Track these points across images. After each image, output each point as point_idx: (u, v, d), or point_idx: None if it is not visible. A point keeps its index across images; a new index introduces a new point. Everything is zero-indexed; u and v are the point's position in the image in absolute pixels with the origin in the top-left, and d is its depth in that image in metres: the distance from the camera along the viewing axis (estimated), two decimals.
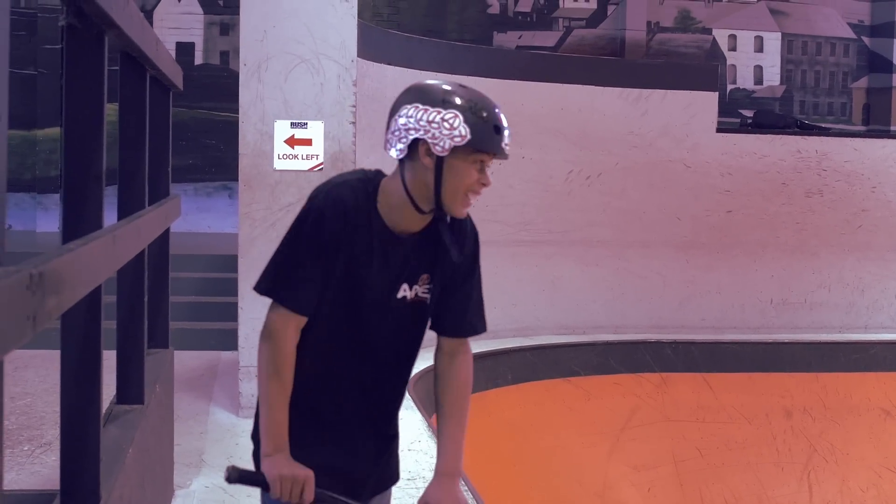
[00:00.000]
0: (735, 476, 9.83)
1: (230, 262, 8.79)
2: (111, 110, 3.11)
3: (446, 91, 2.66)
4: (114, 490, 2.91)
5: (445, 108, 2.61)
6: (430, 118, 2.60)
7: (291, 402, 2.67)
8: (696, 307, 10.67)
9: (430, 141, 2.60)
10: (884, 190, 11.19)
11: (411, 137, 2.62)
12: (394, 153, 2.67)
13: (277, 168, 6.87)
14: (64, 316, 2.69)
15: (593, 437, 9.48)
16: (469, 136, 2.59)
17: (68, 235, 2.70)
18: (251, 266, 6.92)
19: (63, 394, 2.76)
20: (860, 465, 10.17)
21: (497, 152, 2.64)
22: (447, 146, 2.60)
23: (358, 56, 7.05)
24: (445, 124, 2.59)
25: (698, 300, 10.70)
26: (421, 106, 2.62)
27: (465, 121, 2.60)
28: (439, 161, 2.61)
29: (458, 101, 2.63)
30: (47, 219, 12.86)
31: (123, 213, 3.86)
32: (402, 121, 2.63)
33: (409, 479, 5.38)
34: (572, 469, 9.17)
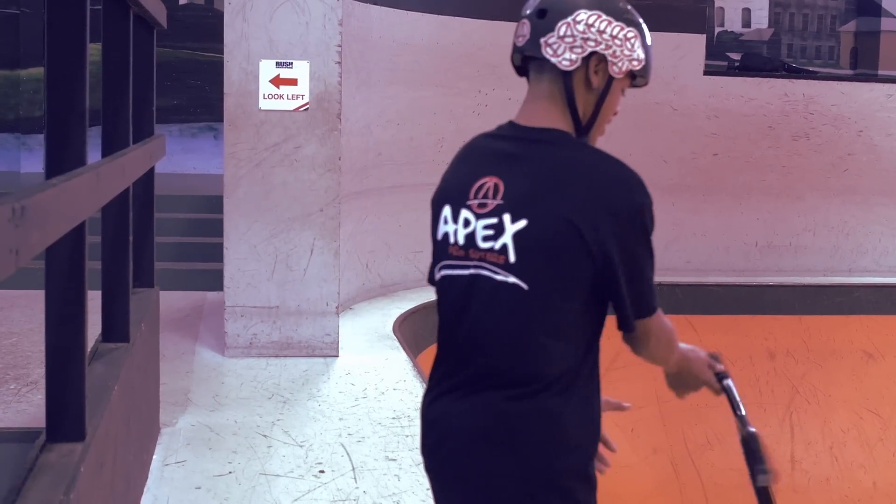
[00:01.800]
0: (717, 416, 9.85)
1: (216, 203, 8.77)
2: (94, 51, 3.09)
3: (624, 3, 2.32)
4: (99, 428, 2.93)
5: (628, 25, 2.28)
6: (614, 32, 2.25)
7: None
8: (681, 249, 10.70)
9: (609, 58, 2.25)
10: (870, 134, 11.19)
11: (589, 50, 2.23)
12: (560, 62, 2.24)
13: (263, 108, 6.84)
14: (48, 252, 2.69)
15: None
16: (644, 62, 2.29)
17: (52, 173, 2.69)
18: (236, 206, 6.90)
19: (48, 332, 2.77)
20: (842, 406, 10.27)
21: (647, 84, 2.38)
22: (624, 68, 2.27)
23: None
24: (627, 43, 2.26)
25: (684, 242, 10.72)
26: (604, 16, 2.25)
27: (642, 44, 2.30)
28: (608, 82, 2.27)
29: (636, 18, 2.31)
30: (31, 159, 12.78)
31: (107, 151, 3.85)
32: (580, 27, 2.23)
33: (394, 418, 5.41)
34: None
